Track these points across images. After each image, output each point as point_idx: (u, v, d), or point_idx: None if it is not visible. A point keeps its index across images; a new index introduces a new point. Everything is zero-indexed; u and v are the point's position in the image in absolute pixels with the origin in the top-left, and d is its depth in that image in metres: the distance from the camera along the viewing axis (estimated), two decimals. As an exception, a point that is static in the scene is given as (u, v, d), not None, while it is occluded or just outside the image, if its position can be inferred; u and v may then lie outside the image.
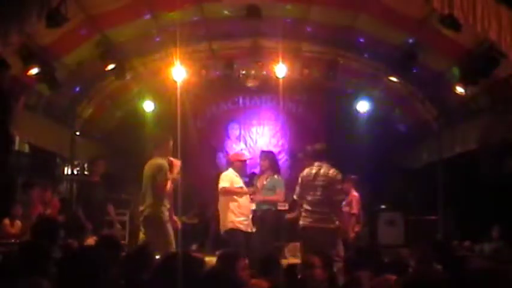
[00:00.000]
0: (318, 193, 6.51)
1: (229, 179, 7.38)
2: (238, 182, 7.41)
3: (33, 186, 8.01)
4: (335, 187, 6.57)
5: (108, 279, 3.68)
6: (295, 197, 6.72)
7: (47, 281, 3.77)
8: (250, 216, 7.49)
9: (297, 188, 6.64)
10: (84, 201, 8.16)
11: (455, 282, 3.09)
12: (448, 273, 3.95)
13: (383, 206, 10.12)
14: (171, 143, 6.72)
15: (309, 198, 6.52)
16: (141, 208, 6.56)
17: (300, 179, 6.62)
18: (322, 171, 6.56)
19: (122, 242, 8.00)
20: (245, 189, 7.53)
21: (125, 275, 4.14)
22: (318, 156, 6.68)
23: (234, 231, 7.24)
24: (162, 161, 6.55)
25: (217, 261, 4.63)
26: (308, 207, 6.53)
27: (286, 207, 9.04)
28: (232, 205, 7.30)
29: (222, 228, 7.39)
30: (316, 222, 6.49)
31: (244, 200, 7.37)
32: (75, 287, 3.39)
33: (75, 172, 10.39)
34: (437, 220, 9.52)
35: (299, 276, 4.62)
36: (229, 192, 7.32)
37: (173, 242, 6.38)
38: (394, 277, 3.70)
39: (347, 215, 8.36)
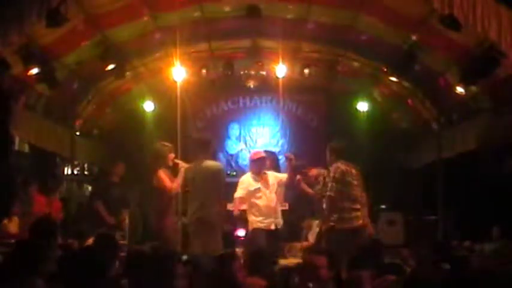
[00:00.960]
0: (358, 191, 6.55)
1: (245, 185, 7.37)
2: (255, 185, 7.36)
3: (32, 184, 8.01)
4: (363, 185, 6.65)
5: (107, 279, 3.68)
6: (331, 193, 6.50)
7: (42, 280, 3.77)
8: (274, 214, 7.40)
9: (333, 184, 6.50)
10: (101, 199, 8.40)
11: (456, 282, 3.09)
12: (449, 273, 3.95)
13: (383, 206, 10.12)
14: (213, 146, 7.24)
15: (352, 197, 6.53)
16: (201, 212, 6.75)
17: (338, 175, 6.52)
18: (353, 169, 6.60)
19: (122, 242, 8.02)
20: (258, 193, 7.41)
21: (127, 275, 4.14)
22: (343, 154, 6.71)
23: (256, 231, 7.26)
24: (221, 164, 7.03)
25: (214, 262, 4.64)
26: (350, 206, 6.50)
27: (286, 207, 9.05)
28: (251, 208, 7.33)
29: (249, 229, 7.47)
30: (358, 220, 6.54)
31: (263, 201, 7.32)
32: (74, 286, 3.39)
33: (75, 172, 10.41)
34: (437, 220, 9.52)
35: (299, 277, 4.57)
36: (241, 201, 7.33)
37: None
38: (393, 277, 3.69)
39: None
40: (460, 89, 7.98)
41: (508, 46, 5.98)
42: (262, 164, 7.50)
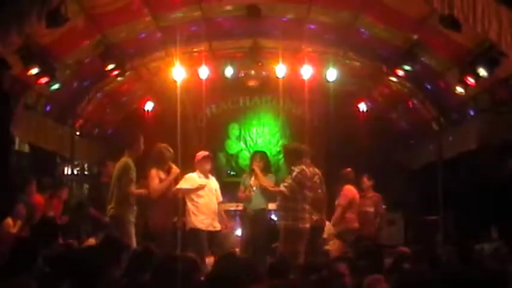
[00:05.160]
0: (319, 192, 6.64)
1: (191, 181, 7.35)
2: (202, 182, 7.39)
3: (31, 183, 8.00)
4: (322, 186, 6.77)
5: (109, 280, 3.68)
6: (286, 191, 6.58)
7: (36, 280, 3.77)
8: (215, 214, 7.42)
9: (292, 183, 6.56)
10: (94, 201, 8.35)
11: (456, 282, 3.08)
12: (449, 272, 3.94)
13: (383, 206, 10.11)
14: (142, 140, 6.99)
15: (308, 199, 6.61)
16: (108, 207, 6.90)
17: (300, 177, 6.58)
18: (314, 169, 6.68)
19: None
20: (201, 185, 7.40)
21: (126, 275, 4.14)
22: (300, 156, 6.80)
23: (195, 231, 7.22)
24: (127, 161, 6.85)
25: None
26: (307, 207, 6.58)
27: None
28: (191, 206, 7.30)
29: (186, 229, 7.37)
30: (309, 221, 6.72)
31: (205, 200, 7.34)
32: (76, 286, 3.39)
33: (75, 172, 10.40)
34: (437, 220, 9.52)
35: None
36: (183, 192, 7.31)
37: (134, 244, 6.60)
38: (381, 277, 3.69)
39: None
40: (460, 89, 7.97)
41: (508, 46, 5.97)
42: (207, 163, 7.49)
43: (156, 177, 7.01)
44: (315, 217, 7.15)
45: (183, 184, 7.29)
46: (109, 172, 8.66)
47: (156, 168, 7.06)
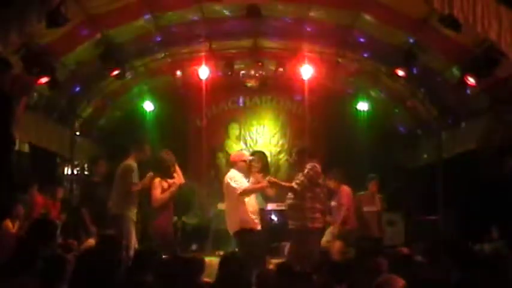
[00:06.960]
0: (324, 195, 6.66)
1: (239, 179, 7.16)
2: (245, 183, 7.25)
3: (33, 186, 8.01)
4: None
5: (110, 279, 3.68)
6: (298, 189, 6.49)
7: (36, 281, 3.77)
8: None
9: (304, 181, 6.49)
10: (86, 201, 8.30)
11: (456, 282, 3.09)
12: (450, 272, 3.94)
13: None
14: (148, 148, 7.29)
15: (318, 199, 6.59)
16: (108, 206, 7.06)
17: (313, 173, 6.52)
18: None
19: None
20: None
21: (127, 275, 4.15)
22: (311, 155, 6.80)
23: (246, 231, 7.05)
24: (130, 163, 7.05)
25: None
26: (318, 206, 6.56)
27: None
28: (242, 205, 7.22)
29: (232, 229, 7.14)
30: (320, 222, 6.64)
31: (252, 199, 7.20)
32: (77, 286, 3.40)
33: (75, 172, 10.40)
34: (437, 220, 9.52)
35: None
36: (251, 192, 7.14)
37: (134, 243, 6.70)
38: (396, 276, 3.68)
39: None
40: (460, 89, 7.97)
41: (508, 46, 5.98)
42: (247, 167, 7.28)
43: (159, 187, 6.97)
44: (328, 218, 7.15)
45: (242, 183, 7.04)
46: (101, 171, 8.64)
47: (160, 177, 7.04)
